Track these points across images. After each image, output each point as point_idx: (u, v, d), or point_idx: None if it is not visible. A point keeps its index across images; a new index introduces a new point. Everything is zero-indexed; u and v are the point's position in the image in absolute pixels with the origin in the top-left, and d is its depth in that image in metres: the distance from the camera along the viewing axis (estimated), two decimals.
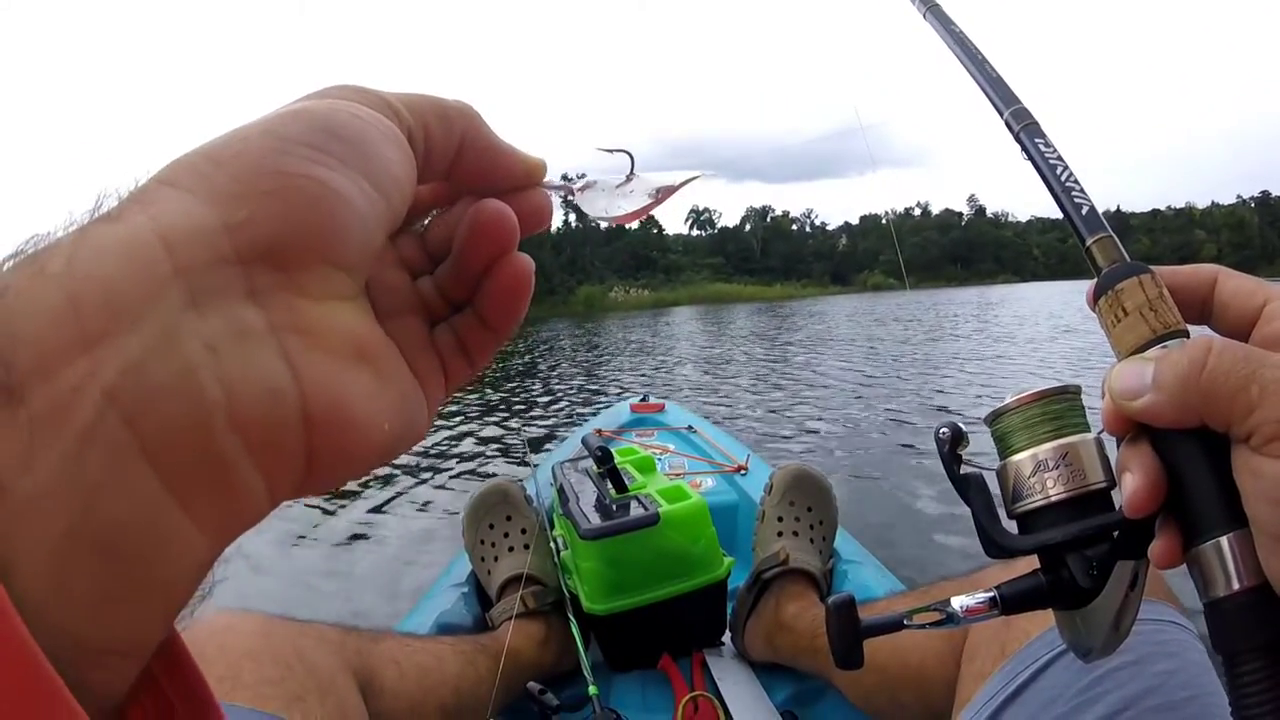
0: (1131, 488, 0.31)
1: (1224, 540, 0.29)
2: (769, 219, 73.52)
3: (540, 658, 1.08)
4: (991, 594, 0.37)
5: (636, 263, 65.44)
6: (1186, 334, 0.32)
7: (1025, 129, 0.41)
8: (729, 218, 75.89)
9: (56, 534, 0.15)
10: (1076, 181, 0.39)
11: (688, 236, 73.69)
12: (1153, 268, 0.34)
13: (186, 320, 0.17)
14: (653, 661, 1.13)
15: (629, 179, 0.32)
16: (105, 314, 0.16)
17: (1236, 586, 0.29)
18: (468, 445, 4.45)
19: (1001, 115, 0.43)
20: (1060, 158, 0.40)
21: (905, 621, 0.39)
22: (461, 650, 0.99)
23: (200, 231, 0.18)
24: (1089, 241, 0.36)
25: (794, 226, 74.90)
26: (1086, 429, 0.36)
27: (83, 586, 0.15)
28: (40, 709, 0.13)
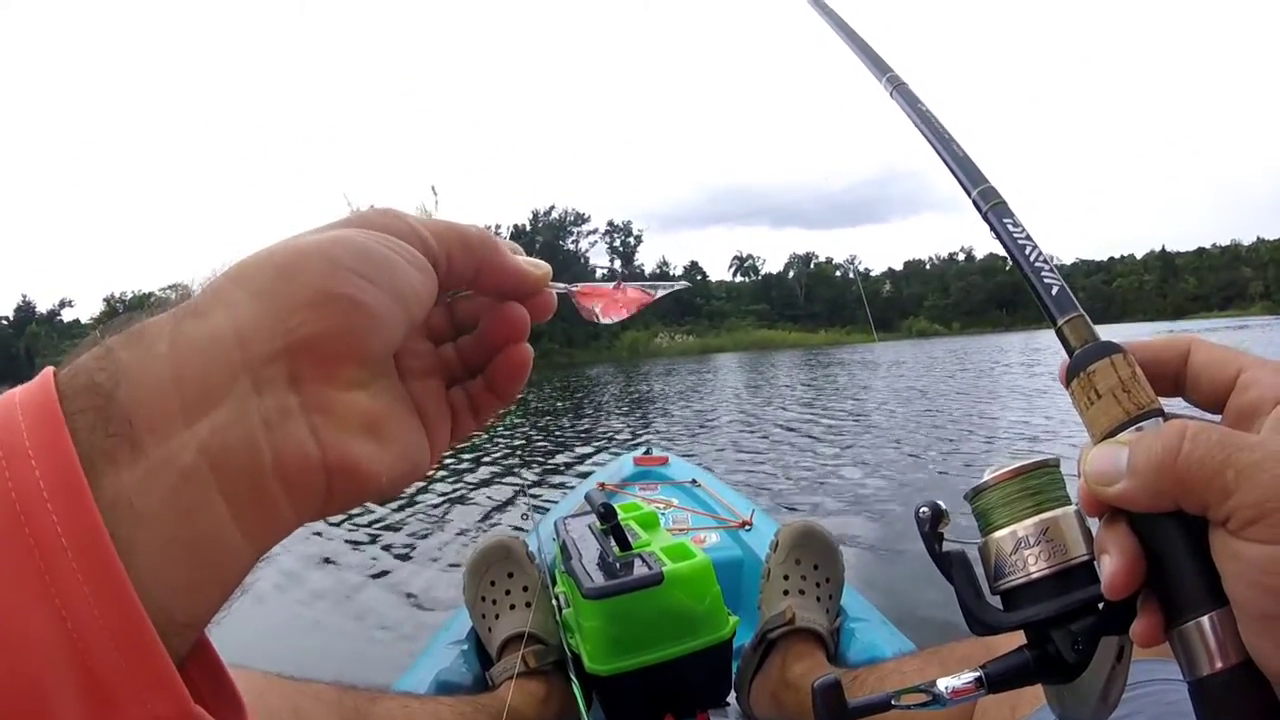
0: (1110, 570, 0.32)
1: (1205, 620, 0.30)
2: (812, 265, 73.43)
3: (541, 718, 1.06)
4: (978, 674, 0.37)
5: (681, 309, 65.44)
6: (1161, 413, 0.32)
7: (993, 209, 0.41)
8: (772, 264, 75.95)
9: (162, 539, 0.22)
10: (1046, 261, 0.39)
11: (731, 283, 73.58)
12: (1125, 345, 0.35)
13: (252, 401, 0.24)
14: None
15: (618, 286, 0.39)
16: (200, 392, 0.23)
17: (1220, 665, 0.29)
18: (470, 498, 4.42)
19: (969, 194, 0.43)
20: (1029, 237, 0.40)
21: (893, 702, 0.38)
22: (461, 711, 0.97)
23: (264, 333, 0.24)
24: (1060, 322, 0.36)
25: (837, 273, 74.38)
26: (1067, 501, 0.36)
27: (175, 576, 0.22)
28: (148, 661, 0.20)
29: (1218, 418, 0.34)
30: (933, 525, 0.40)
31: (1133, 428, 0.32)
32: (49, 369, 0.23)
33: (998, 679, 0.37)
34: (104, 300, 59.10)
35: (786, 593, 1.18)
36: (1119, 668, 0.34)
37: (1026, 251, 0.39)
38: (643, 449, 2.70)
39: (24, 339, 55.35)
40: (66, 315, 61.12)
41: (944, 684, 0.38)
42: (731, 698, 1.18)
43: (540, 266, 0.34)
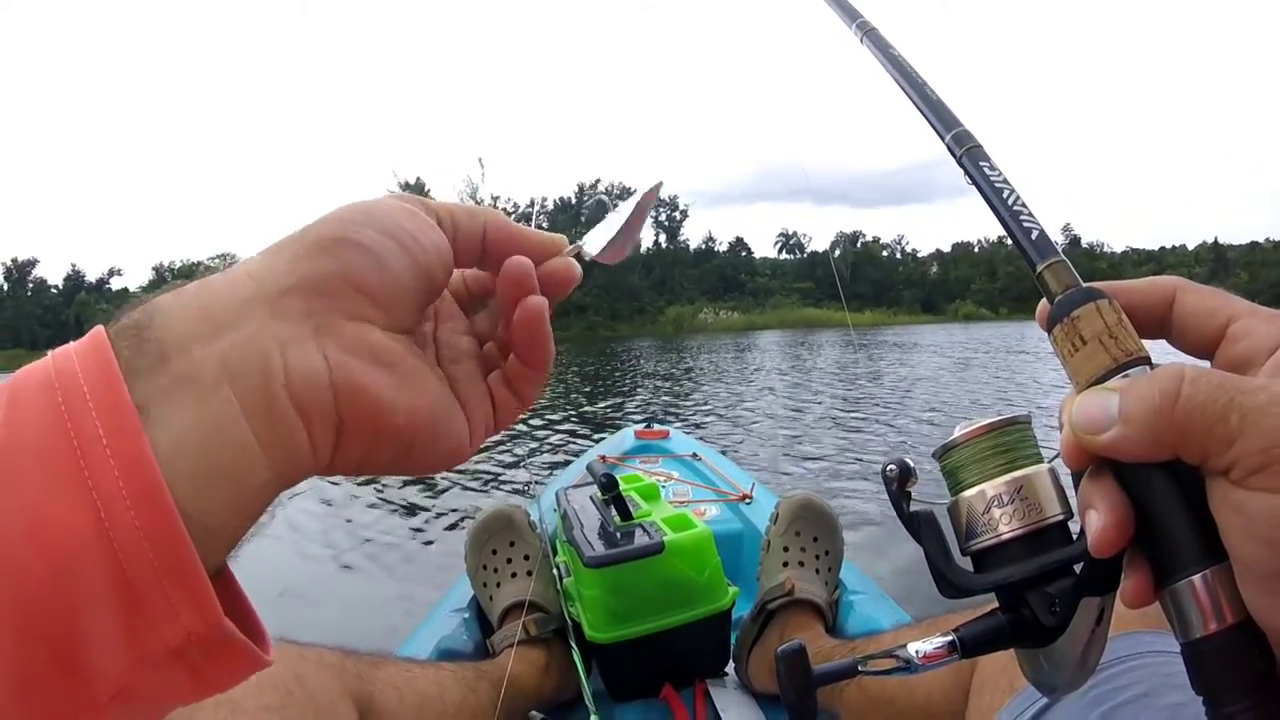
0: (1098, 526, 0.29)
1: (1199, 578, 0.28)
2: (859, 244, 71.64)
3: (542, 686, 1.07)
4: (950, 638, 0.36)
5: (725, 285, 64.66)
6: (1149, 361, 0.31)
7: (968, 153, 0.40)
8: (818, 242, 72.58)
9: (181, 436, 0.23)
10: (1024, 205, 0.37)
11: (776, 260, 71.78)
12: (1105, 287, 0.33)
13: (268, 325, 0.26)
14: (655, 691, 1.11)
15: (610, 215, 0.39)
16: (221, 316, 0.26)
17: (1215, 626, 0.28)
18: (472, 468, 4.43)
19: (943, 139, 0.41)
20: (1006, 181, 0.38)
21: (860, 668, 0.37)
22: (462, 677, 0.98)
23: (276, 273, 0.27)
24: (1040, 267, 0.35)
25: (884, 253, 72.40)
26: (1039, 459, 0.35)
27: (193, 471, 0.23)
28: (180, 564, 0.22)
29: (1205, 364, 0.32)
30: (900, 484, 0.38)
31: (1120, 375, 0.30)
32: (99, 326, 0.26)
33: (971, 643, 0.36)
34: (152, 269, 59.40)
35: (786, 564, 1.19)
36: (1098, 631, 0.33)
37: (1004, 195, 0.37)
38: (644, 422, 2.71)
39: (73, 307, 54.87)
40: (115, 284, 60.82)
41: (914, 648, 0.36)
42: (730, 668, 1.19)
43: (552, 236, 0.36)
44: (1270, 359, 0.30)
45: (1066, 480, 0.34)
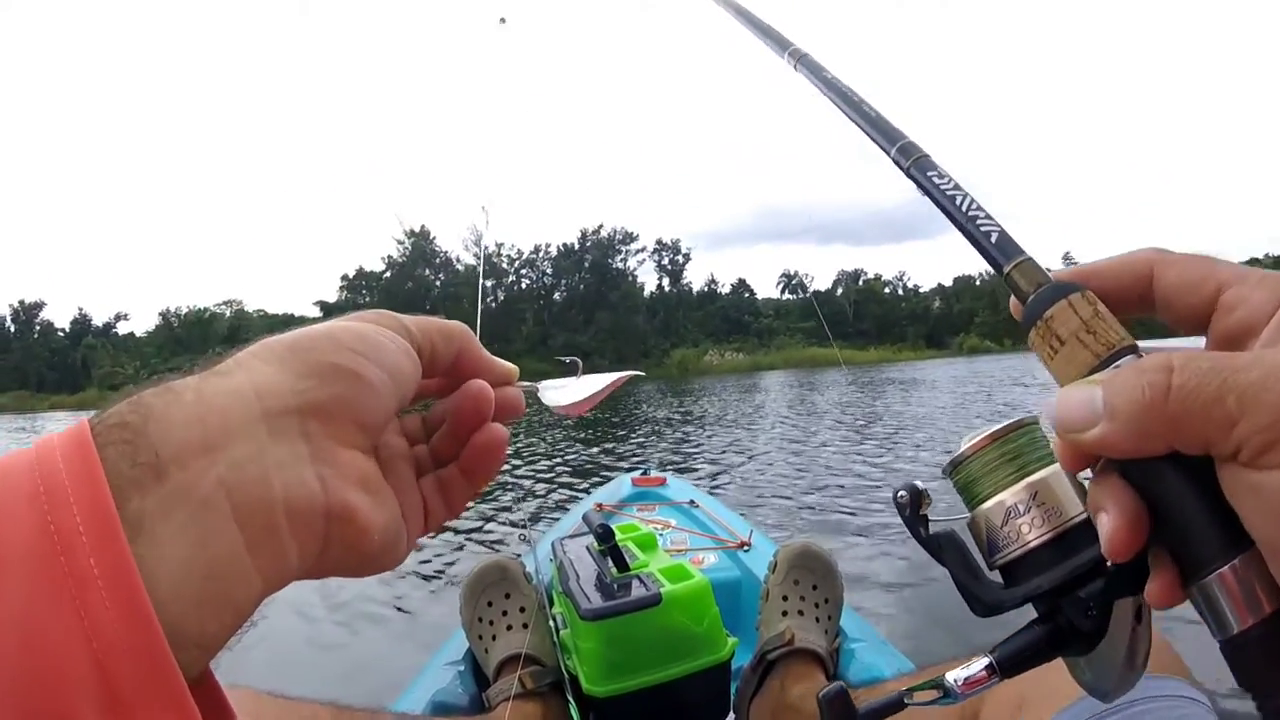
0: (1110, 530, 0.28)
1: (1227, 570, 0.26)
2: (860, 282, 71.41)
3: None
4: (988, 660, 0.35)
5: (729, 326, 64.50)
6: (1135, 349, 0.29)
7: (915, 163, 0.39)
8: (820, 281, 73.09)
9: (180, 559, 0.24)
10: (980, 208, 0.35)
11: (779, 300, 71.18)
12: (1077, 275, 0.32)
13: (268, 444, 0.27)
14: None
15: (579, 377, 0.43)
16: (220, 431, 0.26)
17: (1252, 620, 0.26)
18: (467, 519, 4.40)
19: (889, 153, 0.40)
20: (958, 187, 0.37)
21: (906, 700, 0.36)
22: None
23: (279, 391, 0.28)
24: (1007, 268, 0.33)
25: (886, 290, 71.73)
26: (1052, 460, 0.34)
27: (189, 593, 0.24)
28: (163, 680, 0.22)
29: (1198, 339, 0.31)
30: (914, 508, 0.37)
31: (1111, 369, 0.29)
32: (84, 419, 0.26)
33: (1009, 662, 0.34)
34: (159, 315, 59.40)
35: (785, 613, 1.18)
36: (1140, 628, 0.31)
37: (958, 201, 0.36)
38: (641, 470, 2.70)
39: (80, 350, 55.37)
40: (122, 328, 61.04)
41: (952, 676, 0.35)
42: (730, 719, 1.17)
43: (508, 366, 0.40)
44: (1270, 324, 0.28)
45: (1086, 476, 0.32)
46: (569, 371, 0.45)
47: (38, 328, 59.35)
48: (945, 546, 0.36)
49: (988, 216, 0.35)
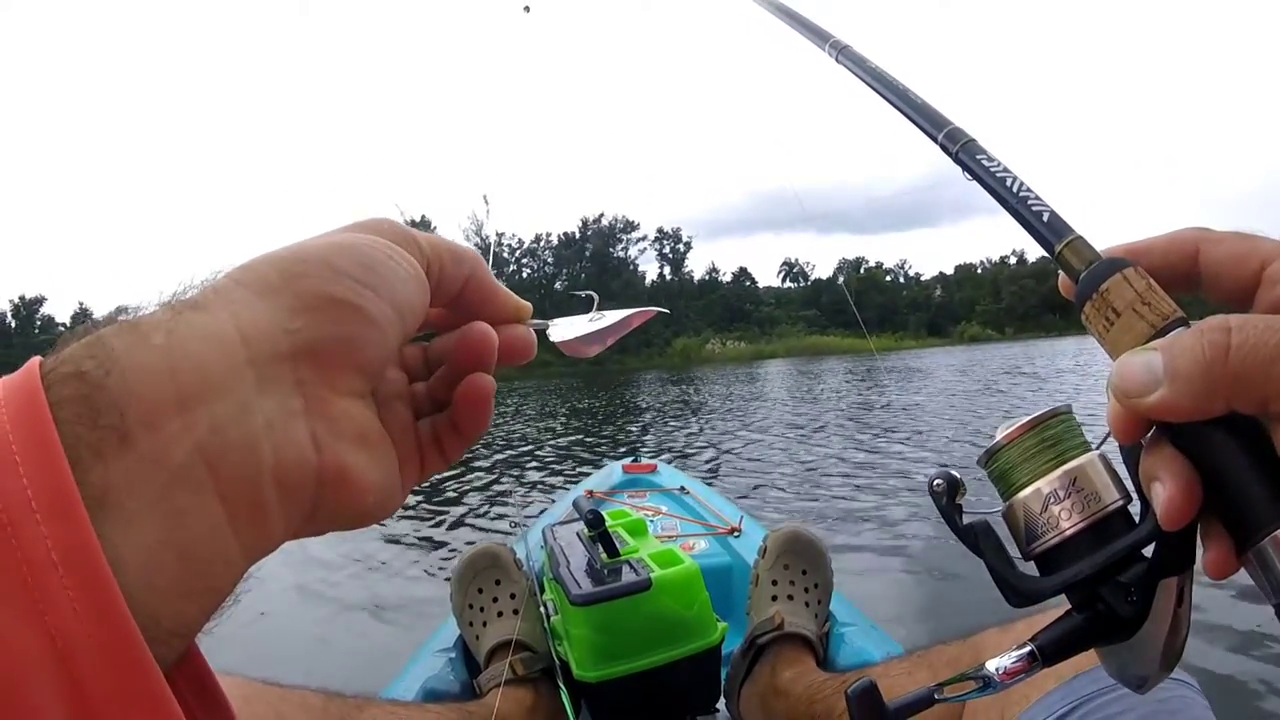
0: (1166, 497, 0.28)
1: None
2: (862, 270, 71.25)
3: None
4: (1028, 648, 0.34)
5: (731, 315, 64.56)
6: (1186, 321, 0.30)
7: (964, 148, 0.39)
8: (821, 269, 72.88)
9: (152, 541, 0.20)
10: (1030, 190, 0.36)
11: (780, 288, 71.31)
12: (1127, 252, 0.32)
13: (254, 399, 0.23)
14: None
15: (593, 314, 0.39)
16: (198, 384, 0.22)
17: None
18: (457, 505, 4.40)
19: (936, 140, 0.41)
20: (1007, 169, 0.37)
21: (937, 696, 0.35)
22: (448, 718, 0.97)
23: (268, 333, 0.24)
24: (1059, 247, 0.34)
25: (888, 278, 71.95)
26: (1088, 448, 0.34)
27: (165, 581, 0.21)
28: (139, 682, 0.19)
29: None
30: (949, 497, 0.37)
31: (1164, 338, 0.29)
32: (35, 359, 0.22)
33: (1051, 650, 0.34)
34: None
35: (775, 598, 1.18)
36: (1181, 611, 0.31)
37: (1008, 184, 0.37)
38: (631, 457, 2.70)
39: None
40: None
41: (993, 665, 0.34)
42: (721, 704, 1.18)
43: (520, 301, 0.35)
44: None
45: (1119, 465, 0.33)
46: (585, 308, 0.41)
47: (38, 323, 59.29)
48: (981, 536, 0.36)
49: (1038, 198, 0.36)
